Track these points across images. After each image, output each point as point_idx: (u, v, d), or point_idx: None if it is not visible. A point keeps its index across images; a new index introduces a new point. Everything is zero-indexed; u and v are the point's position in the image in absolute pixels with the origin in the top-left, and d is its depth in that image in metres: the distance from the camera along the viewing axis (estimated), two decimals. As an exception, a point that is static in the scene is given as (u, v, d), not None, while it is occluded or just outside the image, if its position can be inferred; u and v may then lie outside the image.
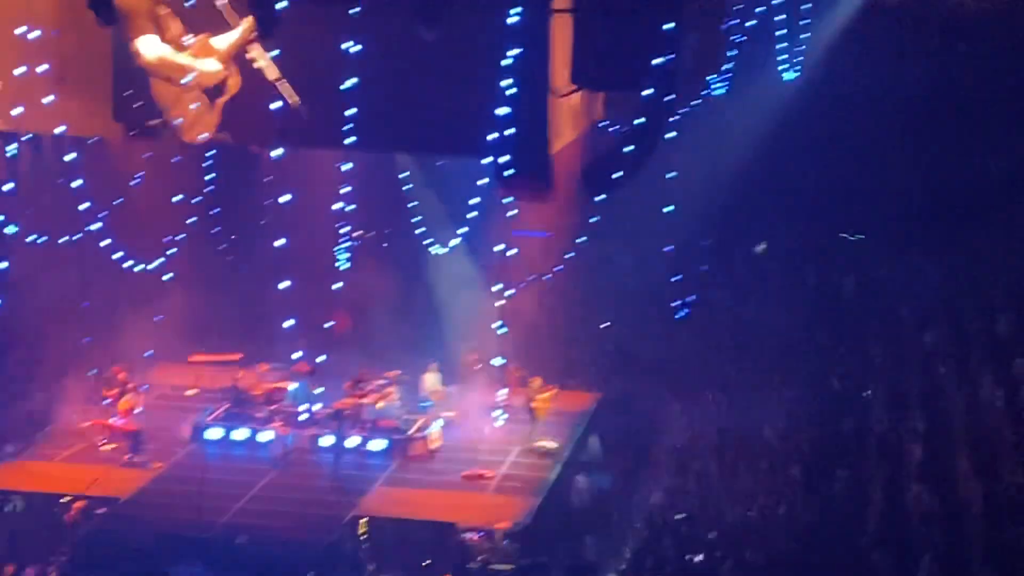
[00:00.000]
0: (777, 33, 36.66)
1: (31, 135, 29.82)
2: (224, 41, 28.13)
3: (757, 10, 35.50)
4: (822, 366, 33.56)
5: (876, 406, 31.34)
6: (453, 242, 33.84)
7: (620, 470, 29.85)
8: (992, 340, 32.39)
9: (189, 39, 28.12)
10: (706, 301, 35.61)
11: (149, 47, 28.22)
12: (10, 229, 31.03)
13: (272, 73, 27.79)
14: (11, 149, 30.41)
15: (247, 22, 27.20)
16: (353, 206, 31.40)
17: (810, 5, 37.16)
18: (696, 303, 34.01)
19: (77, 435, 30.06)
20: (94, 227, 31.42)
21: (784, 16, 36.37)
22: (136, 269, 32.62)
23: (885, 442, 29.49)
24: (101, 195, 31.67)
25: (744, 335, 35.07)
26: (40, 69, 27.88)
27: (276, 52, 27.43)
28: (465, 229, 33.35)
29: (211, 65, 28.25)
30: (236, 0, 26.74)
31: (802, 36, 37.38)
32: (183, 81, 28.30)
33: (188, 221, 32.75)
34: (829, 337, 34.81)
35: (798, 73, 37.29)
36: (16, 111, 28.11)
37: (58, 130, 28.63)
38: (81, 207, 30.52)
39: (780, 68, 36.97)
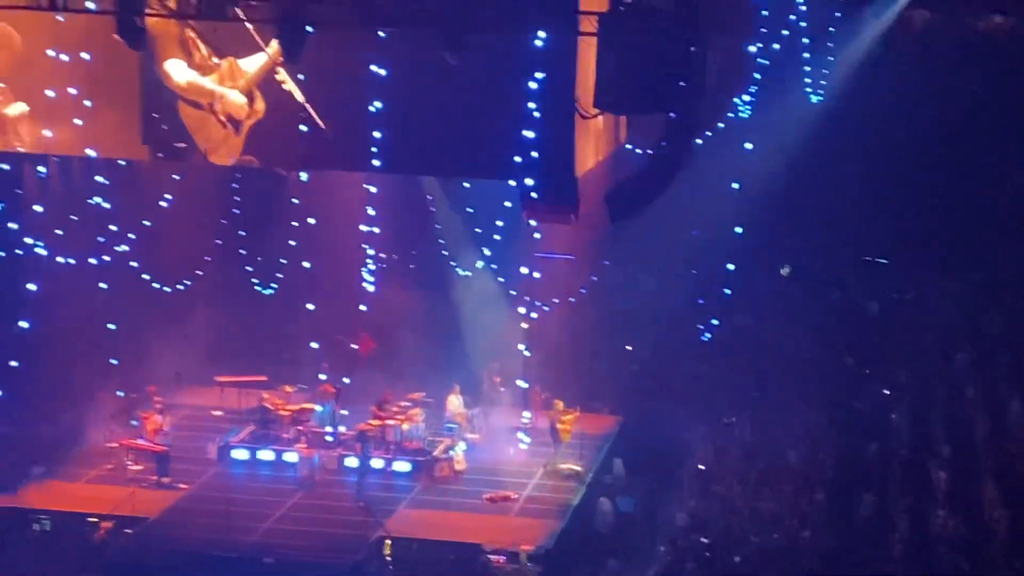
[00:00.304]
0: (802, 56, 36.75)
1: (60, 157, 30.02)
2: (252, 64, 28.36)
3: (782, 33, 35.61)
4: (846, 390, 33.54)
5: (901, 430, 31.30)
6: (478, 264, 33.97)
7: (644, 493, 29.86)
8: (1019, 363, 32.32)
9: (217, 62, 28.37)
10: (730, 324, 35.63)
11: (177, 71, 28.45)
12: (39, 250, 31.26)
13: (299, 95, 27.99)
14: (41, 171, 30.64)
15: (275, 44, 27.42)
16: (378, 229, 31.58)
17: (835, 28, 37.24)
18: (720, 326, 34.02)
19: (105, 455, 30.20)
20: (122, 248, 31.65)
21: (809, 39, 36.45)
22: (164, 290, 32.85)
23: (910, 467, 29.44)
24: (129, 217, 31.92)
25: (768, 358, 35.05)
26: (70, 92, 28.13)
27: (302, 77, 27.63)
28: (489, 251, 33.55)
29: (237, 94, 28.46)
30: (263, 22, 26.89)
31: (827, 59, 37.46)
32: (211, 106, 28.53)
33: (215, 243, 32.92)
34: (853, 361, 34.78)
35: (822, 96, 37.36)
36: (46, 133, 28.34)
37: (88, 152, 28.88)
38: (109, 229, 30.71)
39: (805, 91, 37.04)
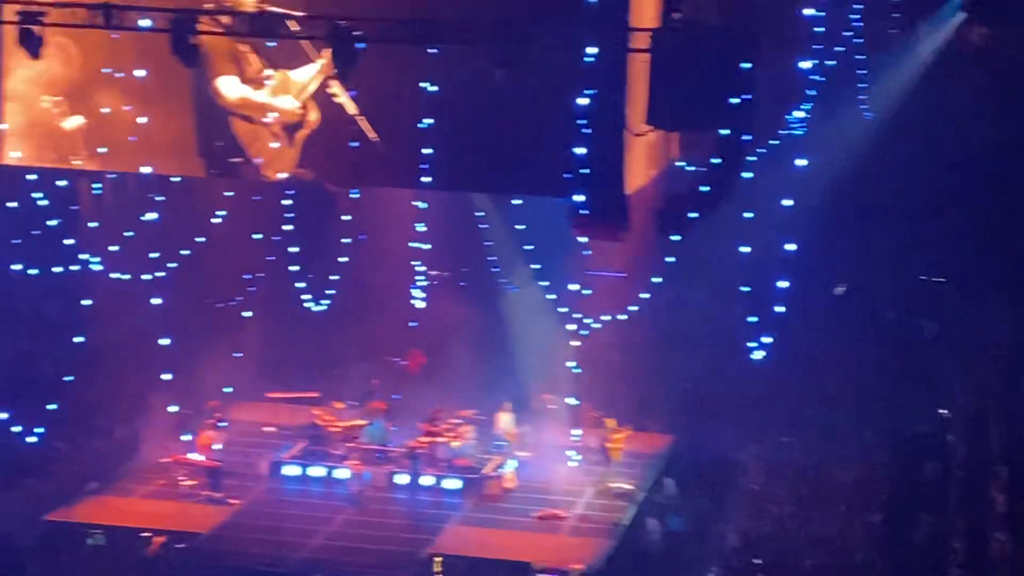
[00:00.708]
0: (857, 72, 36.53)
1: (116, 174, 30.26)
2: (304, 76, 28.52)
3: (837, 48, 35.41)
4: (902, 410, 33.24)
5: (959, 451, 30.97)
6: (528, 281, 33.92)
7: (695, 512, 29.68)
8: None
9: (269, 73, 28.52)
10: (782, 343, 35.37)
11: (229, 88, 28.65)
12: (94, 266, 31.50)
13: (351, 107, 28.11)
14: (96, 187, 30.87)
15: (326, 57, 27.53)
16: (428, 245, 31.62)
17: (890, 44, 37.00)
18: (772, 345, 33.72)
19: (158, 470, 30.35)
20: (175, 265, 31.84)
21: (864, 55, 36.23)
22: (216, 306, 33.00)
23: (968, 488, 29.11)
24: (183, 233, 32.11)
25: (822, 378, 34.80)
26: (125, 108, 28.34)
27: (354, 92, 27.72)
28: (539, 268, 33.50)
29: (290, 103, 28.64)
30: (314, 39, 27.01)
31: (882, 75, 37.21)
32: (265, 120, 28.69)
33: (267, 259, 33.06)
34: (910, 381, 34.45)
35: (877, 112, 37.11)
36: (101, 150, 28.55)
37: (143, 169, 29.07)
38: (163, 245, 30.91)
39: (859, 107, 36.80)
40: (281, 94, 28.66)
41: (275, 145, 28.73)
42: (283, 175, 28.98)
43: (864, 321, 36.78)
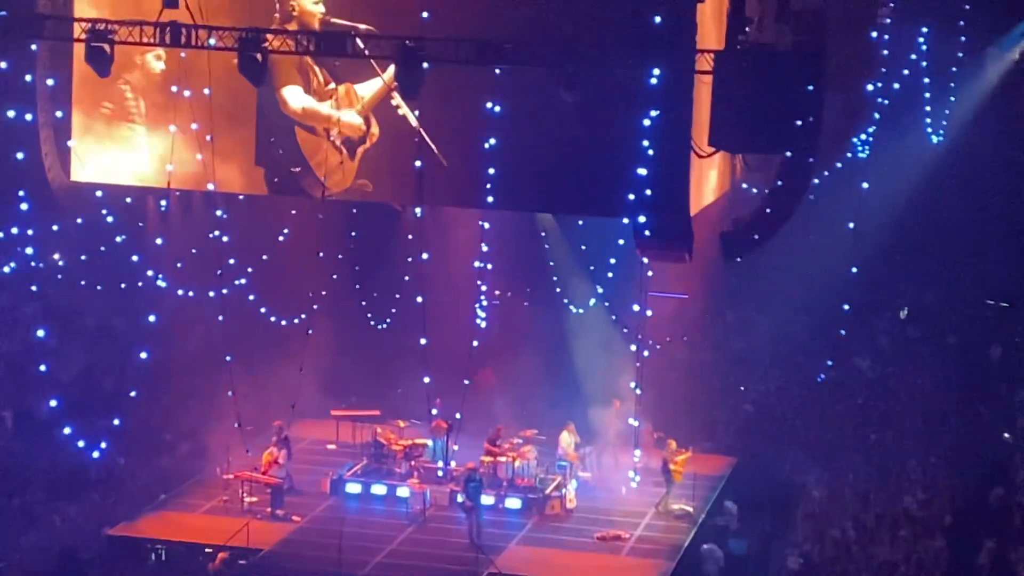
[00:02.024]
0: (923, 95, 36.40)
1: (181, 191, 30.53)
2: (368, 89, 28.74)
3: (903, 72, 35.30)
4: (967, 434, 32.98)
5: (1021, 476, 30.68)
6: (591, 301, 33.91)
7: (756, 535, 29.55)
8: None
9: (334, 87, 28.75)
10: (845, 366, 35.22)
11: (294, 97, 28.96)
12: (159, 282, 31.76)
13: (414, 121, 28.29)
14: (163, 204, 31.16)
15: (391, 70, 27.73)
16: (491, 265, 31.67)
17: (957, 68, 36.85)
18: (835, 368, 33.63)
19: (221, 487, 30.52)
20: (240, 282, 32.05)
21: (930, 78, 36.10)
22: (280, 323, 33.18)
23: (1031, 514, 28.86)
24: (247, 250, 32.35)
25: (885, 401, 34.59)
26: (192, 127, 28.62)
27: (418, 112, 27.88)
28: (602, 289, 33.49)
29: (353, 117, 28.87)
30: (380, 58, 27.19)
31: (948, 99, 37.05)
32: (330, 137, 28.91)
33: (331, 277, 33.22)
34: (974, 405, 34.20)
35: (943, 136, 36.95)
36: (169, 168, 28.84)
37: (208, 186, 29.34)
38: (228, 262, 31.15)
39: (925, 131, 36.65)
40: (345, 107, 28.91)
41: (336, 157, 28.98)
42: (344, 186, 29.17)
43: (928, 345, 36.57)
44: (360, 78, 28.89)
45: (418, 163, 28.09)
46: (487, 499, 30.09)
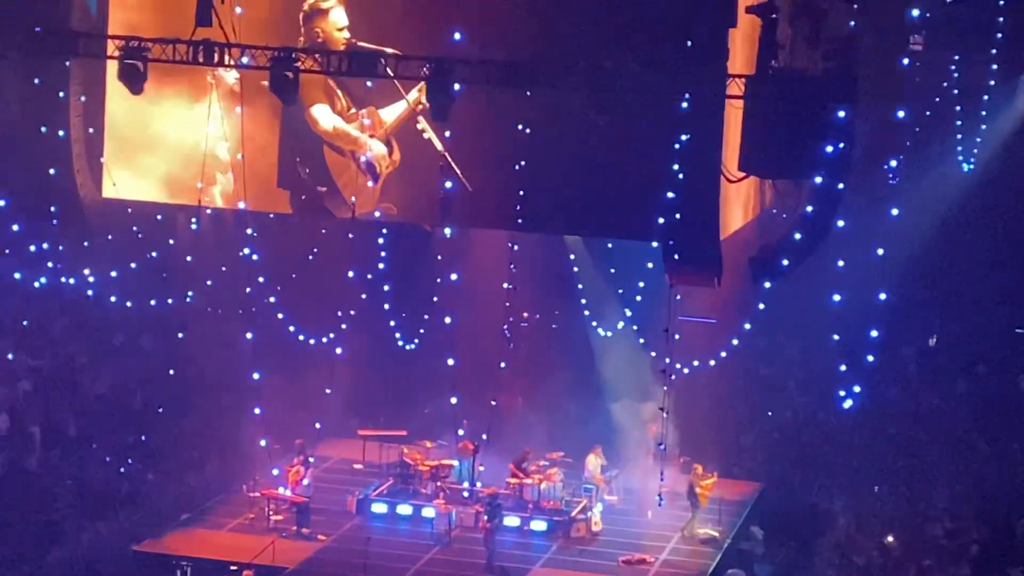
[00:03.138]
0: (954, 123, 36.29)
1: (212, 209, 30.65)
2: (391, 113, 28.86)
3: (934, 99, 35.22)
4: (994, 463, 32.82)
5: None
6: (619, 325, 33.89)
7: (782, 561, 29.45)
8: None
9: (355, 112, 28.89)
10: (873, 393, 35.07)
11: (324, 116, 29.09)
12: (189, 300, 31.88)
13: (439, 144, 28.38)
14: (193, 223, 31.29)
15: (414, 93, 27.85)
16: (519, 287, 31.71)
17: (988, 95, 36.75)
18: (862, 394, 33.44)
19: (247, 505, 30.57)
20: (269, 300, 32.17)
21: (961, 106, 36.00)
22: (308, 342, 33.26)
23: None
24: (277, 269, 32.45)
25: (913, 429, 34.44)
26: (223, 146, 28.74)
27: (448, 134, 27.95)
28: (631, 312, 33.46)
29: (379, 147, 28.96)
30: (410, 79, 27.27)
31: (979, 126, 36.94)
32: (362, 159, 29.00)
33: (360, 297, 33.30)
34: (1001, 434, 34.03)
35: (973, 164, 36.83)
36: (199, 184, 28.97)
37: (239, 205, 29.46)
38: (257, 280, 31.27)
39: (956, 158, 36.54)
40: (369, 131, 29.03)
41: (361, 178, 29.11)
42: (366, 210, 29.26)
43: (956, 373, 36.40)
44: (382, 102, 29.00)
45: (448, 184, 28.16)
46: (512, 520, 30.11)
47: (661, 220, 27.07)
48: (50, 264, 31.80)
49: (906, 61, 32.03)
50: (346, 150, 29.45)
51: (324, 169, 29.49)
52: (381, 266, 33.76)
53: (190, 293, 32.00)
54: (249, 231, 30.78)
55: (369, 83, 28.49)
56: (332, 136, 29.37)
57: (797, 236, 27.69)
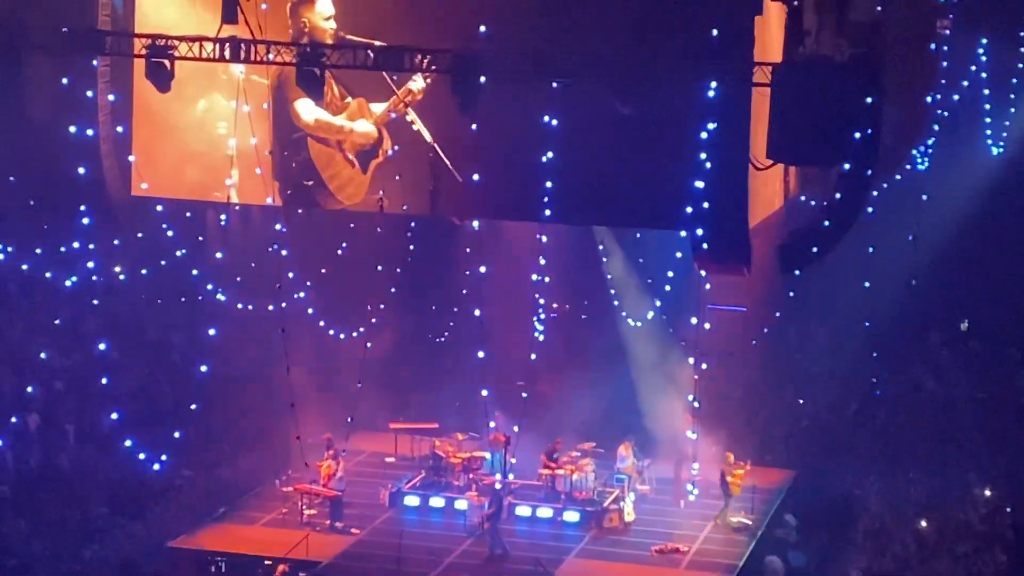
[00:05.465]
0: (983, 107, 36.15)
1: (240, 205, 30.74)
2: (380, 105, 28.89)
3: (963, 83, 35.07)
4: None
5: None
6: (648, 315, 33.87)
7: (816, 549, 29.39)
8: None
9: (348, 101, 28.93)
10: (905, 379, 34.97)
11: (306, 110, 29.15)
12: (219, 296, 31.97)
13: (428, 136, 28.45)
14: (223, 218, 31.37)
15: (406, 87, 27.87)
16: (549, 278, 31.73)
17: (1017, 79, 36.60)
18: (894, 381, 33.40)
19: (280, 499, 30.67)
20: (299, 295, 32.24)
21: (990, 90, 35.86)
22: (339, 337, 33.32)
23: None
24: (307, 264, 32.53)
25: (946, 415, 34.33)
26: (251, 142, 28.83)
27: (475, 126, 27.94)
28: (660, 302, 33.42)
29: (366, 127, 29.02)
30: (438, 72, 27.28)
31: (1008, 110, 36.79)
32: (342, 149, 29.05)
33: (390, 290, 33.35)
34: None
35: (1003, 148, 36.67)
36: (229, 181, 29.06)
37: (267, 200, 29.54)
38: (287, 276, 31.37)
39: (985, 142, 36.40)
40: (358, 119, 29.08)
41: (349, 169, 29.20)
42: (355, 201, 29.37)
43: (988, 358, 36.26)
44: (375, 94, 29.05)
45: (476, 177, 28.19)
46: (545, 512, 30.16)
47: (689, 209, 27.04)
48: (81, 263, 31.94)
49: (933, 45, 31.95)
50: (332, 140, 29.52)
51: (309, 163, 29.58)
52: (410, 260, 33.86)
53: (220, 290, 32.07)
54: (278, 227, 30.87)
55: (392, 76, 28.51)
56: (314, 129, 29.43)
57: (826, 223, 27.61)
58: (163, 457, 31.24)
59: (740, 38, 26.12)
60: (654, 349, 33.50)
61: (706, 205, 26.81)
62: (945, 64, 33.06)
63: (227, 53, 26.79)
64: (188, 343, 34.85)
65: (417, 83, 28.58)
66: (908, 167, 33.92)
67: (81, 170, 29.33)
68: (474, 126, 27.85)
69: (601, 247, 34.31)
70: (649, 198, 27.89)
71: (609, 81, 25.90)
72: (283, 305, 30.87)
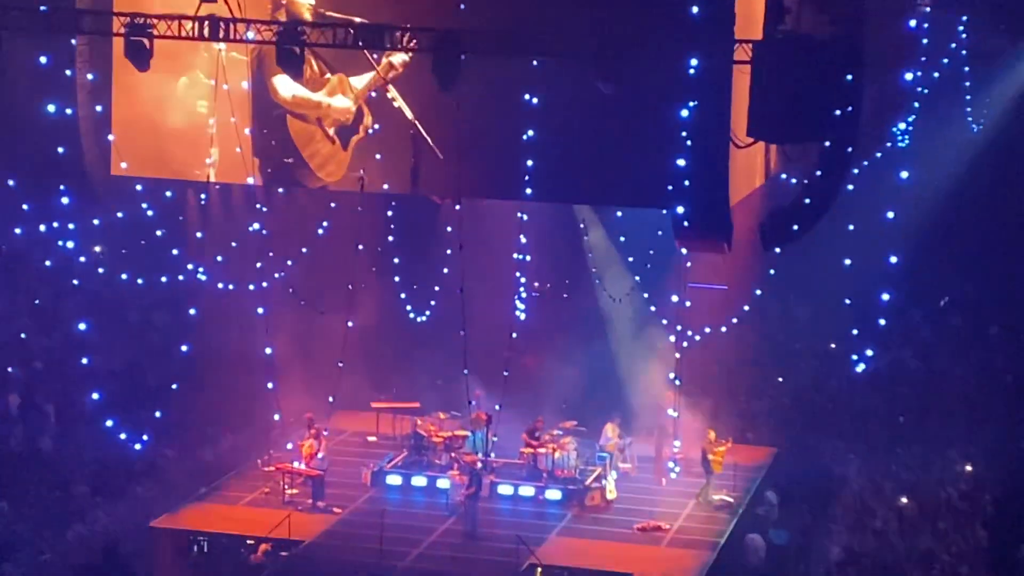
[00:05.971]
0: (963, 84, 36.19)
1: (220, 184, 30.66)
2: (361, 81, 28.82)
3: (942, 61, 35.09)
4: (1009, 425, 32.81)
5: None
6: (629, 292, 33.88)
7: (797, 526, 29.50)
8: None
9: (327, 77, 28.87)
10: (886, 356, 35.06)
11: (283, 85, 29.08)
12: (200, 276, 31.90)
13: (409, 113, 28.38)
14: (202, 198, 31.29)
15: (385, 63, 27.81)
16: (530, 256, 31.72)
17: (997, 57, 36.65)
18: (875, 358, 33.46)
19: (262, 479, 30.66)
20: (279, 275, 32.18)
21: (970, 67, 35.90)
22: (320, 316, 33.28)
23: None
24: (287, 243, 32.46)
25: (926, 392, 34.46)
26: (231, 120, 28.75)
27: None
28: (641, 279, 33.45)
29: (344, 102, 28.96)
30: (419, 51, 27.22)
31: (988, 88, 36.84)
32: (322, 125, 28.99)
33: (370, 270, 33.32)
34: (1016, 395, 34.01)
35: (983, 126, 36.73)
36: (209, 160, 28.97)
37: (248, 180, 29.46)
38: (268, 255, 31.30)
39: (965, 120, 36.44)
40: (336, 95, 29.01)
41: (329, 146, 29.18)
42: (338, 176, 29.39)
43: (969, 334, 36.39)
44: (355, 70, 28.97)
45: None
46: (527, 490, 30.20)
47: (670, 187, 27.02)
48: (60, 243, 31.84)
49: (914, 23, 31.95)
50: (311, 117, 29.44)
51: (288, 140, 29.50)
52: (391, 239, 33.79)
53: (201, 269, 32.00)
54: (258, 206, 30.78)
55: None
56: (292, 105, 29.36)
57: (807, 201, 27.67)
58: (144, 437, 31.23)
59: (721, 15, 26.08)
60: (635, 327, 33.55)
61: (687, 183, 26.78)
62: (925, 42, 33.07)
63: (206, 31, 26.66)
64: (169, 323, 34.81)
65: (398, 56, 28.49)
66: (889, 144, 33.94)
67: (60, 149, 29.23)
68: (456, 104, 27.80)
69: (582, 225, 34.30)
70: (630, 176, 27.89)
71: (590, 59, 25.84)
72: (263, 285, 30.81)
